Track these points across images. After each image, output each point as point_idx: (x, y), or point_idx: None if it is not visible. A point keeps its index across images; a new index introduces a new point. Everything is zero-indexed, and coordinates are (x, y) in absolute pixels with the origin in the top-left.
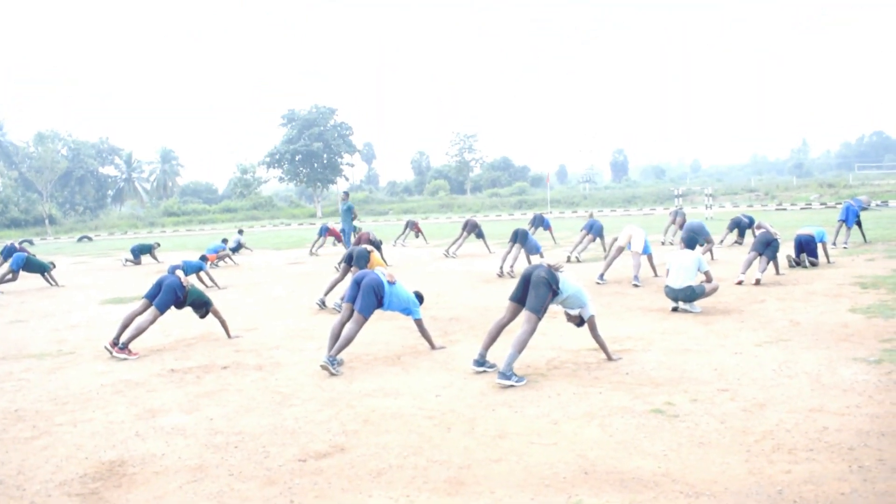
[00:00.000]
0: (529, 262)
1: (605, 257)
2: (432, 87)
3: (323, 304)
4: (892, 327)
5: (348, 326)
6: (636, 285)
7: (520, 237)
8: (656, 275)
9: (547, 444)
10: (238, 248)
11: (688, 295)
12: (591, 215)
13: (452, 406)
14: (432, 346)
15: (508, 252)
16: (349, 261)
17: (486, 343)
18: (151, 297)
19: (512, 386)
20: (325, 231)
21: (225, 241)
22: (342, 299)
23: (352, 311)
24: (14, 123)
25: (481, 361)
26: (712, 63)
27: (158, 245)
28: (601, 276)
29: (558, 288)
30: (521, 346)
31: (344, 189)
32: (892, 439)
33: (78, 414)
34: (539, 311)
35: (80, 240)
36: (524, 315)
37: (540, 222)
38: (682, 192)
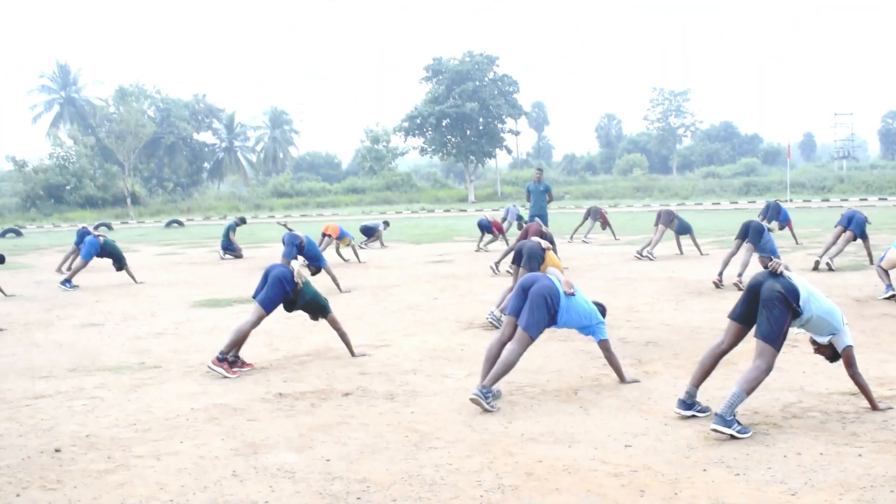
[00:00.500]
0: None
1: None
2: (620, 28)
3: (498, 321)
4: None
5: (509, 348)
6: None
7: (751, 233)
8: None
9: None
10: (373, 236)
11: None
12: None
13: (647, 461)
14: (622, 379)
15: (733, 253)
16: (518, 260)
17: (697, 378)
18: (258, 294)
19: (733, 437)
20: (487, 226)
21: (387, 223)
22: (502, 311)
23: (515, 328)
24: (92, 76)
25: (689, 402)
26: None
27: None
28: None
29: (799, 306)
30: (751, 387)
31: (538, 166)
32: None
33: (162, 444)
34: (776, 341)
35: (168, 224)
36: (756, 346)
37: (776, 213)
38: None
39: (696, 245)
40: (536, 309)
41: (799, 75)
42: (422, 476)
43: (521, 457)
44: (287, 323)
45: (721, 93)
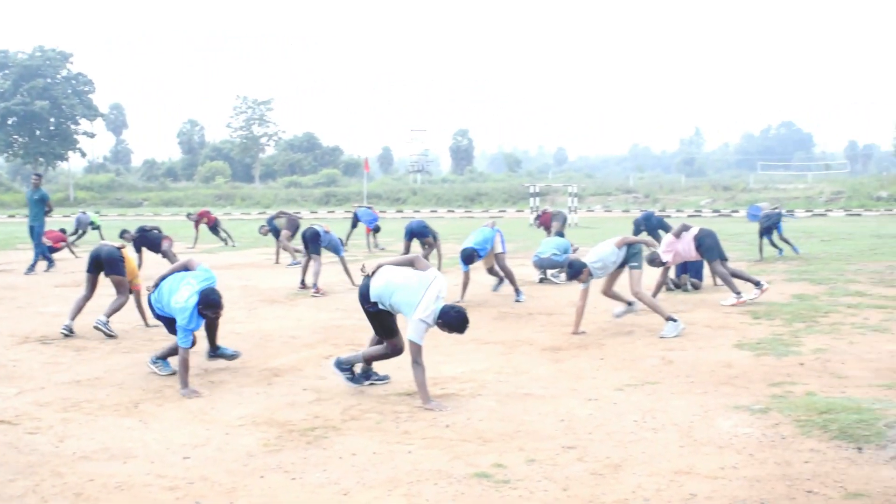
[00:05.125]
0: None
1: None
2: (207, 34)
3: (69, 331)
4: (785, 368)
5: None
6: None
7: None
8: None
9: None
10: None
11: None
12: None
13: (205, 472)
14: (185, 388)
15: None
16: (92, 268)
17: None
18: None
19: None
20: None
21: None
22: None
23: None
24: None
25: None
26: (584, 37)
27: None
28: None
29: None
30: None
31: (37, 171)
32: None
33: None
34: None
35: None
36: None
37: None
38: (539, 189)
39: (277, 252)
40: None
41: (378, 91)
42: None
43: (70, 477)
44: None
45: (303, 104)
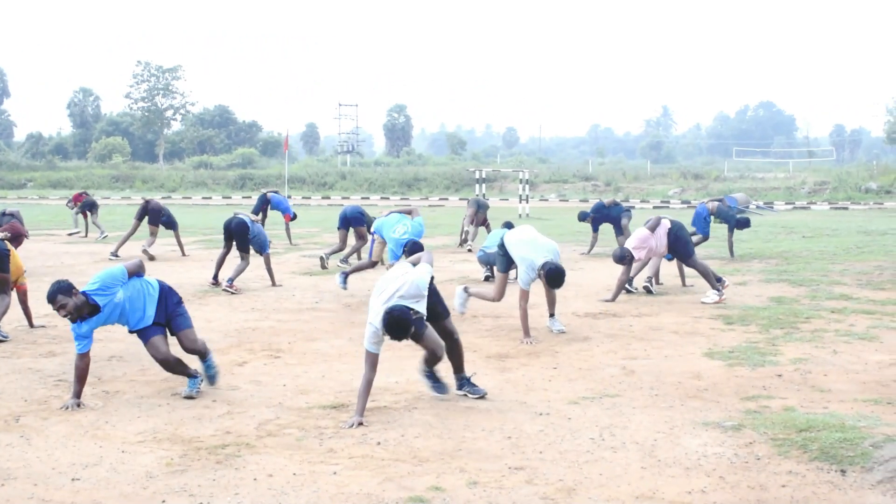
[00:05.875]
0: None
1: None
2: None
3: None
4: (760, 379)
5: None
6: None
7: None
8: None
9: None
10: None
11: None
12: None
13: (97, 496)
14: (72, 396)
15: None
16: None
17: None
18: None
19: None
20: None
21: None
22: None
23: None
24: None
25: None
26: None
27: None
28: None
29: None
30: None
31: None
32: None
33: None
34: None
35: None
36: None
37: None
38: (486, 174)
39: (180, 244)
40: None
41: (302, 59)
42: None
43: None
44: None
45: (215, 73)
